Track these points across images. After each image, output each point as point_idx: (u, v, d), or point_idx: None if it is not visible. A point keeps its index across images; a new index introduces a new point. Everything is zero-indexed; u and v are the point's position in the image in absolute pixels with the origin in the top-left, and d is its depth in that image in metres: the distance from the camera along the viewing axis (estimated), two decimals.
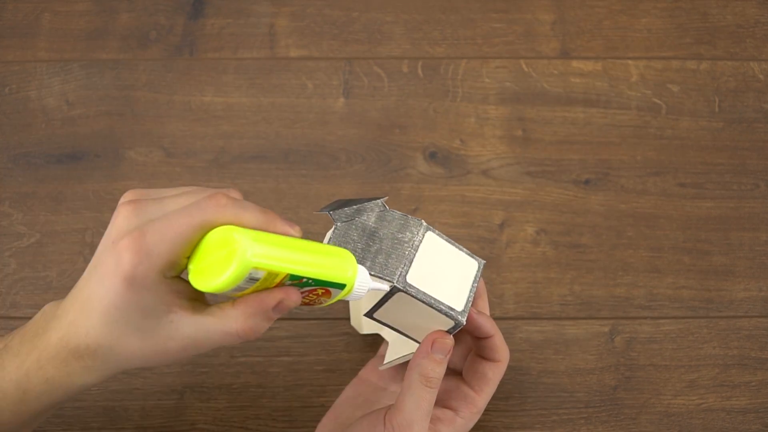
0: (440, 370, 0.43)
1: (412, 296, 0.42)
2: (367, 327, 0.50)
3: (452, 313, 0.43)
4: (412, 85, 0.61)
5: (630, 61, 0.62)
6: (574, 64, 0.62)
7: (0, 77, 0.61)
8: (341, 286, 0.39)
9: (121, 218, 0.37)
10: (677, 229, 0.57)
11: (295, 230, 0.39)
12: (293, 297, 0.38)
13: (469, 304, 0.44)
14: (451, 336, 0.43)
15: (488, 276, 0.56)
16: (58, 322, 0.39)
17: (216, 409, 0.52)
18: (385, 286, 0.41)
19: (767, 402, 0.53)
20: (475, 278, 0.45)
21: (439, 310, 0.42)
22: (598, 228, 0.57)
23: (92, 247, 0.56)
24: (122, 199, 0.39)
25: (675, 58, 0.62)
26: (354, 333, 0.54)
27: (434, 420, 0.44)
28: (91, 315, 0.38)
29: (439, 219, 0.57)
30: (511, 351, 0.54)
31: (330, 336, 0.54)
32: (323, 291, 0.39)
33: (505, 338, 0.54)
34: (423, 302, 0.42)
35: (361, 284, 0.40)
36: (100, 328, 0.38)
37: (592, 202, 0.58)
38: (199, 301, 0.39)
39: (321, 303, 0.40)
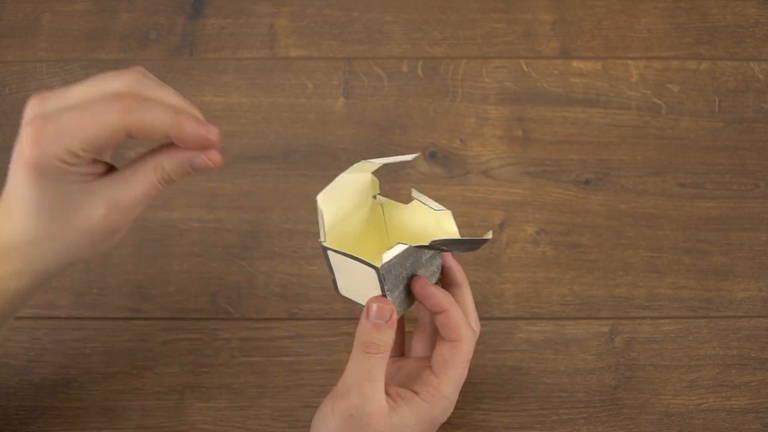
0: (379, 335, 0.41)
1: (338, 252, 0.41)
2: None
3: (372, 263, 0.41)
4: (412, 85, 0.61)
5: (630, 61, 0.62)
6: (574, 64, 0.62)
7: (0, 77, 0.61)
8: None
9: (29, 108, 0.37)
10: (677, 229, 0.57)
11: (212, 132, 0.38)
12: (212, 159, 0.39)
13: (400, 263, 0.42)
14: (388, 300, 0.42)
15: (488, 276, 0.56)
16: None
17: (216, 409, 0.52)
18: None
19: (767, 402, 0.53)
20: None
21: (361, 261, 0.41)
22: (598, 228, 0.57)
23: None
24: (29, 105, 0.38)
25: (675, 58, 0.62)
26: (354, 333, 0.54)
27: (395, 397, 0.42)
28: (12, 213, 0.38)
29: None
30: (511, 351, 0.54)
31: (330, 336, 0.54)
32: None
33: (505, 338, 0.54)
34: (347, 257, 0.41)
35: None
36: (21, 223, 0.38)
37: (592, 202, 0.58)
38: (111, 168, 0.39)
39: None
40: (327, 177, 0.58)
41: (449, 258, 0.45)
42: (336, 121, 0.60)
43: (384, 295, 0.42)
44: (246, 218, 0.57)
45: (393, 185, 0.58)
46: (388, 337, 0.41)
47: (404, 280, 0.43)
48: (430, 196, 0.58)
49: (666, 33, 0.63)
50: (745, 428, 0.52)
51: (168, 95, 0.38)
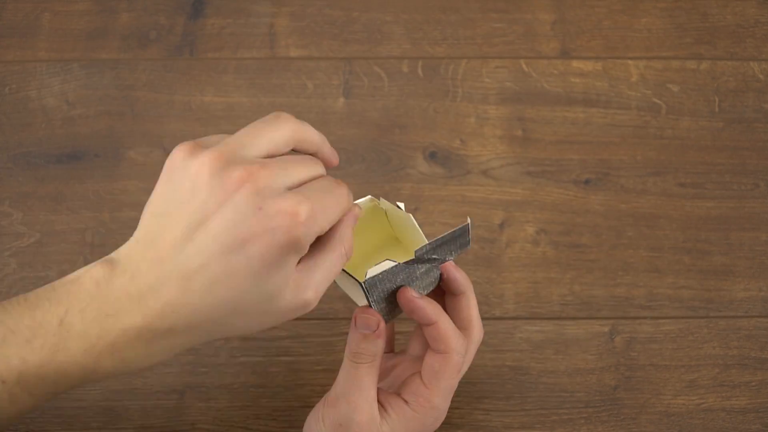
0: (367, 345, 0.41)
1: None
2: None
3: (356, 277, 0.41)
4: (412, 85, 0.61)
5: (630, 61, 0.62)
6: (574, 64, 0.62)
7: (0, 77, 0.61)
8: None
9: (250, 185, 0.35)
10: (677, 229, 0.57)
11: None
12: (357, 209, 0.42)
13: (388, 278, 0.41)
14: (373, 310, 0.41)
15: (488, 276, 0.56)
16: (140, 303, 0.35)
17: (216, 409, 0.52)
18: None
19: (767, 402, 0.53)
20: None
21: (347, 273, 0.42)
22: (598, 228, 0.57)
23: (92, 247, 0.56)
24: (196, 154, 0.36)
25: (675, 58, 0.62)
26: None
27: (386, 405, 0.42)
28: (207, 292, 0.35)
29: (439, 219, 0.57)
30: (511, 351, 0.54)
31: (330, 336, 0.54)
32: None
33: (505, 338, 0.54)
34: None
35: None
36: (218, 304, 0.35)
37: (592, 202, 0.58)
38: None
39: None
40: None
41: (452, 267, 0.44)
42: (336, 121, 0.60)
43: (370, 306, 0.42)
44: None
45: (393, 185, 0.58)
46: (376, 346, 0.41)
47: (394, 293, 0.43)
48: (430, 196, 0.58)
49: (666, 33, 0.63)
50: (745, 428, 0.52)
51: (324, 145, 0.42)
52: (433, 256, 0.42)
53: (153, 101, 0.60)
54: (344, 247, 0.39)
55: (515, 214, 0.58)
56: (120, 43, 0.62)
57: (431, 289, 0.45)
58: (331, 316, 0.54)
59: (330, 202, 0.37)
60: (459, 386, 0.53)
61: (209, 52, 0.62)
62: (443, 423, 0.52)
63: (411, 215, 0.42)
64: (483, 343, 0.54)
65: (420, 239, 0.43)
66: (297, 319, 0.54)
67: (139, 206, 0.57)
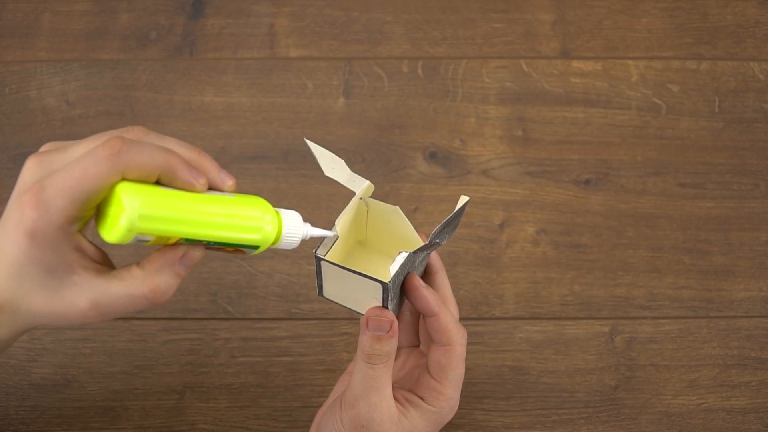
0: (381, 347, 0.41)
1: (335, 265, 0.41)
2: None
3: (379, 279, 0.40)
4: (412, 85, 0.61)
5: (630, 61, 0.62)
6: (574, 64, 0.62)
7: (0, 77, 0.61)
8: (254, 247, 0.37)
9: (26, 170, 0.36)
10: (677, 229, 0.57)
11: (200, 182, 0.36)
12: (197, 252, 0.37)
13: (401, 271, 0.41)
14: (388, 310, 0.41)
15: (488, 276, 0.56)
16: None
17: (216, 409, 0.52)
18: (327, 233, 0.40)
19: (767, 402, 0.53)
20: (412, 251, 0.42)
21: (364, 276, 0.41)
22: (598, 228, 0.57)
23: None
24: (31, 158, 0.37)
25: (675, 58, 0.62)
26: (354, 333, 0.54)
27: (403, 402, 0.43)
28: (1, 271, 0.36)
29: (439, 219, 0.57)
30: (511, 351, 0.54)
31: (330, 336, 0.54)
32: (233, 249, 0.38)
33: (505, 338, 0.54)
34: (346, 270, 0.41)
35: (291, 233, 0.38)
36: (6, 283, 0.36)
37: (592, 202, 0.58)
38: (106, 264, 0.38)
39: (245, 254, 0.39)
40: (327, 177, 0.58)
41: (425, 290, 0.44)
42: (336, 121, 0.60)
43: (385, 306, 0.42)
44: None
45: (393, 185, 0.58)
46: (390, 346, 0.41)
47: (401, 285, 0.43)
48: (430, 196, 0.58)
49: (666, 33, 0.63)
50: (745, 428, 0.52)
51: (166, 141, 0.38)
52: (436, 240, 0.42)
53: (153, 101, 0.60)
54: (145, 288, 0.36)
55: (515, 214, 0.58)
56: (120, 43, 0.62)
57: (423, 265, 0.45)
58: (331, 316, 0.54)
59: (73, 173, 0.34)
60: None
61: (209, 52, 0.62)
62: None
63: (398, 207, 0.42)
64: (483, 343, 0.54)
65: (409, 230, 0.43)
66: (297, 319, 0.54)
67: None
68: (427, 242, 0.41)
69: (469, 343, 0.54)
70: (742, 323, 0.55)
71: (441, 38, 0.63)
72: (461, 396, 0.53)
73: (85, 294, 0.36)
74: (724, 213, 0.58)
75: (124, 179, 0.35)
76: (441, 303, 0.43)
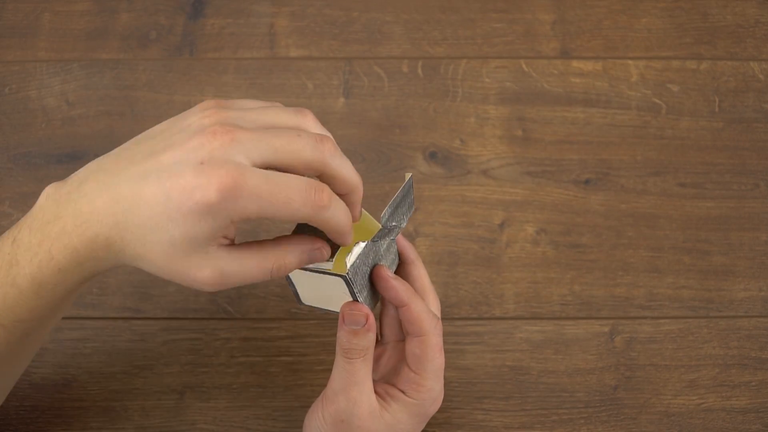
0: (358, 341, 0.41)
1: (299, 269, 0.41)
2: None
3: (338, 273, 0.41)
4: (412, 85, 0.61)
5: (630, 61, 0.62)
6: (574, 64, 0.62)
7: (0, 77, 0.61)
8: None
9: (218, 142, 0.35)
10: (677, 229, 0.57)
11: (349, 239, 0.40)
12: (326, 250, 0.39)
13: (363, 262, 0.41)
14: (361, 304, 0.42)
15: (488, 276, 0.56)
16: (75, 207, 0.36)
17: (216, 409, 0.52)
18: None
19: (767, 402, 0.53)
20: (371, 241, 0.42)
21: (324, 272, 0.41)
22: (598, 228, 0.57)
23: None
24: (210, 108, 0.37)
25: (675, 58, 0.62)
26: None
27: (385, 396, 0.43)
28: (130, 213, 0.35)
29: (439, 219, 0.57)
30: (511, 351, 0.54)
31: (330, 336, 0.54)
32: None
33: (505, 338, 0.54)
34: (310, 272, 0.41)
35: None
36: (134, 229, 0.36)
37: (592, 202, 0.58)
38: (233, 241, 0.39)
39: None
40: None
41: (399, 238, 0.46)
42: (336, 121, 0.60)
43: (356, 299, 0.42)
44: None
45: (393, 185, 0.58)
46: (367, 340, 0.42)
47: (369, 277, 0.43)
48: (430, 196, 0.58)
49: (666, 33, 0.63)
50: (745, 428, 0.52)
51: (346, 165, 0.38)
52: (393, 224, 0.42)
53: (153, 101, 0.60)
54: (271, 265, 0.38)
55: (515, 214, 0.58)
56: (120, 43, 0.62)
57: (395, 269, 0.46)
58: (331, 316, 0.54)
59: (277, 195, 0.35)
60: (459, 386, 0.53)
61: (209, 52, 0.62)
62: (443, 423, 0.52)
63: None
64: (483, 343, 0.54)
65: (370, 220, 0.43)
66: (297, 319, 0.54)
67: None
68: (382, 227, 0.41)
69: (469, 343, 0.54)
70: (742, 323, 0.55)
71: (441, 38, 0.63)
72: (461, 396, 0.53)
73: (213, 262, 0.36)
74: (724, 213, 0.58)
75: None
76: (411, 293, 0.43)
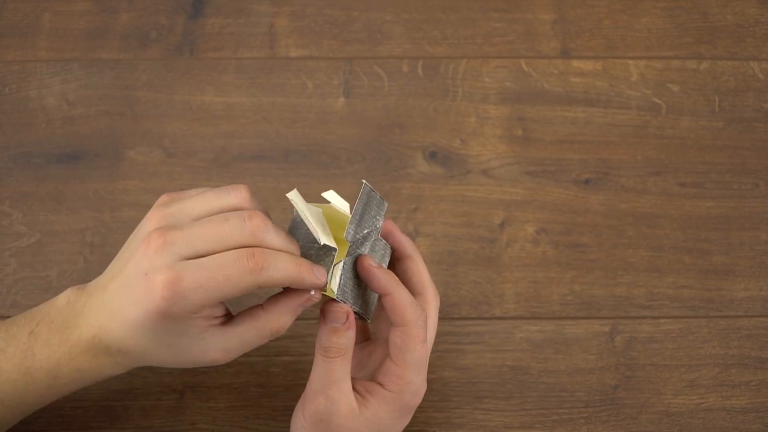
0: (338, 339, 0.42)
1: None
2: None
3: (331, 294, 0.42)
4: (412, 85, 0.61)
5: (630, 61, 0.62)
6: (574, 63, 0.62)
7: (0, 77, 0.61)
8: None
9: (153, 249, 0.39)
10: (677, 228, 0.57)
11: (322, 276, 0.41)
12: (316, 297, 0.42)
13: (346, 278, 0.43)
14: (340, 303, 0.42)
15: (488, 275, 0.56)
16: (86, 321, 0.41)
17: (216, 409, 0.52)
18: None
19: (767, 402, 0.53)
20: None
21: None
22: (598, 228, 0.57)
23: (92, 247, 0.56)
24: (155, 207, 0.41)
25: (675, 57, 0.62)
26: None
27: (363, 392, 0.43)
28: (123, 327, 0.40)
29: (439, 219, 0.57)
30: (511, 351, 0.54)
31: None
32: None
33: (505, 338, 0.54)
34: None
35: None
36: (133, 340, 0.40)
37: (592, 202, 0.58)
38: (226, 311, 0.42)
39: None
40: (327, 176, 0.58)
41: (397, 232, 0.46)
42: (336, 121, 0.60)
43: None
44: None
45: (393, 185, 0.58)
46: (346, 338, 0.42)
47: (358, 282, 0.43)
48: (430, 196, 0.58)
49: (666, 33, 0.63)
50: (745, 428, 0.52)
51: (279, 236, 0.41)
52: (365, 232, 0.42)
53: (153, 101, 0.60)
54: (268, 332, 0.41)
55: (515, 213, 0.58)
56: (120, 43, 0.62)
57: (387, 261, 0.45)
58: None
59: (215, 277, 0.38)
60: (459, 386, 0.53)
61: (209, 52, 0.62)
62: (443, 423, 0.52)
63: (329, 203, 0.43)
64: (483, 342, 0.54)
65: (346, 217, 0.43)
66: (297, 319, 0.54)
67: (138, 206, 0.57)
68: (350, 243, 0.42)
69: (469, 343, 0.54)
70: (742, 323, 0.55)
71: (441, 38, 0.63)
72: (461, 396, 0.53)
73: (216, 345, 0.41)
74: (724, 213, 0.58)
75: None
76: (395, 282, 0.43)
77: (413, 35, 0.63)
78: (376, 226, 0.43)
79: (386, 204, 0.44)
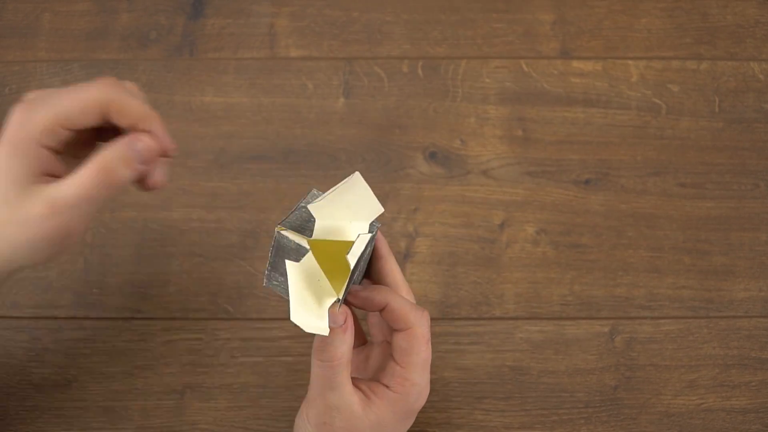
0: (333, 342, 0.40)
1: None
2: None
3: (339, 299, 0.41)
4: (412, 85, 0.61)
5: (630, 61, 0.62)
6: (574, 64, 0.62)
7: (0, 77, 0.61)
8: None
9: (13, 113, 0.39)
10: (677, 229, 0.57)
11: (171, 145, 0.41)
12: (145, 144, 0.41)
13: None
14: (339, 304, 0.41)
15: (488, 276, 0.56)
16: None
17: (216, 409, 0.52)
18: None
19: (767, 402, 0.53)
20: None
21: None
22: (598, 228, 0.57)
23: (92, 247, 0.56)
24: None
25: (675, 58, 0.62)
26: None
27: (368, 393, 0.42)
28: None
29: (439, 219, 0.57)
30: (511, 351, 0.54)
31: None
32: None
33: (505, 338, 0.54)
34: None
35: None
36: None
37: (592, 202, 0.58)
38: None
39: None
40: (327, 177, 0.58)
41: (367, 290, 0.44)
42: (336, 121, 0.60)
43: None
44: (246, 218, 0.57)
45: (393, 185, 0.58)
46: (344, 342, 0.41)
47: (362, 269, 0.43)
48: (430, 196, 0.58)
49: (666, 33, 0.63)
50: (745, 428, 0.52)
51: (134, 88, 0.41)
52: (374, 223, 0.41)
53: (153, 101, 0.60)
54: (96, 166, 0.38)
55: (515, 214, 0.58)
56: (120, 43, 0.62)
57: (367, 261, 0.45)
58: None
59: (54, 98, 0.38)
60: (459, 386, 0.53)
61: (209, 52, 0.62)
62: (443, 423, 0.52)
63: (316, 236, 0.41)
64: (483, 343, 0.54)
65: (335, 243, 0.41)
66: None
67: (139, 206, 0.57)
68: (369, 236, 0.40)
69: (469, 343, 0.54)
70: (742, 323, 0.55)
71: (441, 38, 0.63)
72: (461, 396, 0.53)
73: (41, 198, 0.37)
74: (724, 213, 0.58)
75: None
76: (386, 293, 0.42)
77: (413, 36, 0.63)
78: (365, 256, 0.42)
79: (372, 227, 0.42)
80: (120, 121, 0.40)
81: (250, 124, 0.60)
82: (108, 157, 0.39)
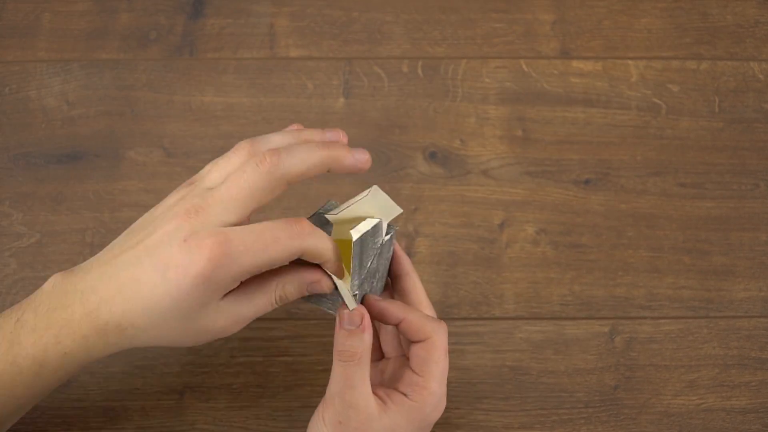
0: (352, 342, 0.41)
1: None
2: None
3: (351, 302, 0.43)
4: (412, 85, 0.61)
5: (630, 61, 0.62)
6: (574, 64, 0.62)
7: (0, 77, 0.61)
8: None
9: (189, 215, 0.38)
10: (677, 229, 0.57)
11: (366, 158, 0.42)
12: (325, 283, 0.41)
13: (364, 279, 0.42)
14: (357, 305, 0.42)
15: (488, 276, 0.56)
16: (82, 297, 0.39)
17: (216, 409, 0.52)
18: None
19: (767, 402, 0.53)
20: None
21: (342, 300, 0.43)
22: (598, 228, 0.57)
23: (92, 247, 0.56)
24: (180, 189, 0.41)
25: (675, 58, 0.62)
26: None
27: (385, 398, 0.43)
28: (134, 298, 0.38)
29: (439, 219, 0.57)
30: (511, 351, 0.54)
31: (330, 336, 0.54)
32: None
33: (505, 338, 0.54)
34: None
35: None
36: (142, 313, 0.38)
37: (592, 202, 0.58)
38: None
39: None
40: (327, 177, 0.58)
41: (396, 248, 0.46)
42: (336, 121, 0.60)
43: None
44: None
45: (393, 185, 0.58)
46: (363, 342, 0.41)
47: (373, 273, 0.43)
48: (430, 196, 0.58)
49: (666, 33, 0.63)
50: (745, 428, 0.52)
51: (294, 155, 0.41)
52: (368, 265, 0.42)
53: (153, 101, 0.60)
54: (275, 295, 0.41)
55: (515, 214, 0.58)
56: (120, 43, 0.62)
57: (385, 275, 0.46)
58: (331, 316, 0.54)
59: (263, 239, 0.38)
60: (459, 386, 0.53)
61: (209, 52, 0.62)
62: (443, 423, 0.52)
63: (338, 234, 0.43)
64: (483, 343, 0.54)
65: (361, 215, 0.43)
66: (297, 319, 0.54)
67: (138, 206, 0.57)
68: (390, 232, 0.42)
69: (469, 343, 0.54)
70: (742, 323, 0.55)
71: (441, 38, 0.63)
72: (461, 396, 0.53)
73: (226, 314, 0.40)
74: (724, 213, 0.58)
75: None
76: (403, 307, 0.43)
77: (413, 36, 0.63)
78: (375, 247, 0.43)
79: (384, 223, 0.43)
80: (310, 260, 0.41)
81: (250, 124, 0.60)
82: (287, 289, 0.41)
